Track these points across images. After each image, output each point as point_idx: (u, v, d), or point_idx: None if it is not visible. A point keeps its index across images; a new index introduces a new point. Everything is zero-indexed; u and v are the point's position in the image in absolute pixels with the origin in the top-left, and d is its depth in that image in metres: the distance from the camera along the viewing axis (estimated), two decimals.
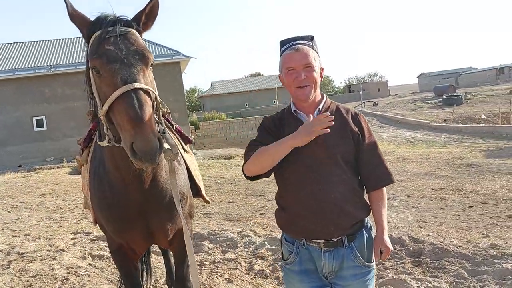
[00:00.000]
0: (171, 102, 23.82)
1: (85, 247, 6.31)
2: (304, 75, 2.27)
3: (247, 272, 4.93)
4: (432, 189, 10.04)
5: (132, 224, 2.72)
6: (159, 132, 2.09)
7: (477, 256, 4.79)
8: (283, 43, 2.40)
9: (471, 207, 8.20)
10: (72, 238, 6.91)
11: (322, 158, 2.26)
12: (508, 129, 21.14)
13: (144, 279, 4.14)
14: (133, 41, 2.20)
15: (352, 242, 2.31)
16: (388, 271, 4.62)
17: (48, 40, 28.33)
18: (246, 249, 5.69)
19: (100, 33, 2.17)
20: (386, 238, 2.30)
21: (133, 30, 2.25)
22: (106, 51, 2.11)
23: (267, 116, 2.55)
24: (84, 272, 5.14)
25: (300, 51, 2.29)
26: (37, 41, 28.22)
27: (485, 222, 7.06)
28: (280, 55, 2.40)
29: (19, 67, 24.48)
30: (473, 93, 41.68)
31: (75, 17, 2.29)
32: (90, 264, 5.43)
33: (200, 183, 3.31)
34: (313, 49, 2.33)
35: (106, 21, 2.21)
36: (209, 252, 5.67)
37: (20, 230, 7.98)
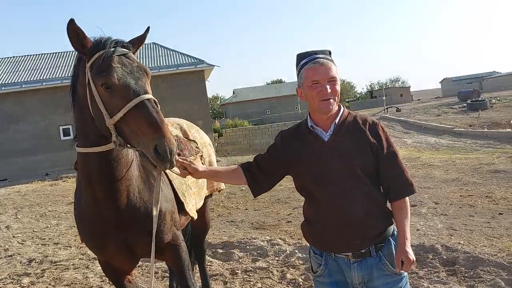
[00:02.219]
0: (195, 110, 24.06)
1: None
2: (330, 88, 2.31)
3: (280, 281, 4.96)
4: (461, 195, 9.91)
5: (108, 240, 2.78)
6: None
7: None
8: (302, 57, 2.43)
9: (501, 214, 8.08)
10: None
11: (342, 172, 2.29)
12: None
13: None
14: (133, 59, 2.45)
15: (380, 251, 2.32)
16: (423, 280, 4.59)
17: (74, 51, 28.91)
18: (276, 258, 5.72)
19: (104, 53, 2.35)
20: (408, 249, 2.28)
21: (129, 50, 2.48)
22: (115, 69, 2.31)
23: (281, 131, 2.60)
24: None
25: (324, 65, 2.33)
26: (63, 52, 28.86)
27: None
28: (300, 68, 2.42)
29: (47, 77, 25.08)
30: (497, 98, 40.92)
31: (76, 37, 2.44)
32: None
33: (185, 198, 3.31)
34: (333, 63, 2.38)
35: (108, 43, 2.40)
36: (240, 260, 5.71)
37: (50, 238, 8.14)
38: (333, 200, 2.29)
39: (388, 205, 2.43)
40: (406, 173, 2.39)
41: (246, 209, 10.60)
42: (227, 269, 5.29)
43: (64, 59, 27.74)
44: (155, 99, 2.34)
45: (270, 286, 4.80)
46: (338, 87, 2.36)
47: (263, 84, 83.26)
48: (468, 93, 46.35)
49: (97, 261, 6.09)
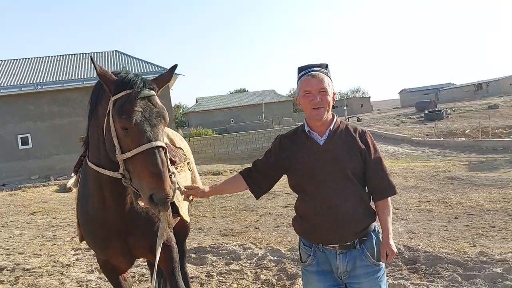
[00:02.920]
0: None
1: (90, 262, 6.43)
2: (319, 98, 2.56)
3: (254, 281, 5.15)
4: (419, 201, 10.37)
5: (111, 242, 2.99)
6: (170, 176, 2.46)
7: (469, 262, 5.10)
8: (300, 69, 2.70)
9: (457, 218, 8.53)
10: (74, 254, 7.03)
11: (335, 174, 2.54)
12: (487, 143, 21.76)
13: None
14: (155, 103, 2.55)
15: (362, 244, 2.59)
16: (387, 277, 4.87)
17: (35, 58, 28.27)
18: (249, 261, 5.91)
19: (130, 93, 2.47)
20: (391, 242, 2.57)
21: (154, 92, 2.60)
22: (135, 113, 2.43)
23: (279, 136, 2.86)
24: (96, 285, 5.30)
25: (316, 77, 2.59)
26: (24, 59, 28.16)
27: (471, 233, 7.39)
28: (298, 80, 2.70)
29: (5, 84, 24.40)
30: (453, 109, 42.66)
31: (103, 76, 2.56)
32: (99, 278, 5.57)
33: (180, 202, 3.49)
34: (327, 75, 2.63)
35: (136, 82, 2.51)
36: (213, 264, 5.86)
37: (14, 248, 8.02)
38: (326, 198, 2.53)
39: (372, 204, 2.71)
40: (389, 177, 2.69)
41: (214, 216, 10.69)
42: (202, 272, 5.44)
43: (21, 66, 27.02)
44: (165, 147, 2.47)
45: (246, 286, 4.99)
46: (329, 98, 2.59)
47: (226, 93, 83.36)
48: (426, 103, 48.14)
49: (71, 267, 6.16)
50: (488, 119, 31.51)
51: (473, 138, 26.04)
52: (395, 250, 2.59)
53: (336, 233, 2.55)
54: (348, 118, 43.44)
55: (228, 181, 2.91)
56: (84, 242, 3.37)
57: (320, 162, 2.56)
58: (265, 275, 5.30)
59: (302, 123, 2.79)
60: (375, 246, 2.60)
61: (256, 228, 8.75)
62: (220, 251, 6.38)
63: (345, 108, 52.61)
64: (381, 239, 2.66)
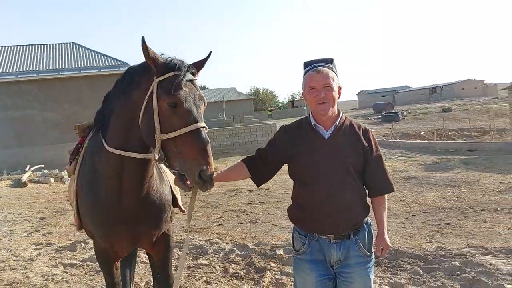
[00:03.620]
0: None
1: (54, 256, 6.32)
2: (324, 93, 2.59)
3: (223, 275, 5.21)
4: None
5: (121, 229, 3.02)
6: None
7: (428, 256, 5.36)
8: (306, 65, 2.73)
9: (414, 216, 8.84)
10: (35, 249, 6.87)
11: (337, 167, 2.61)
12: (441, 144, 22.63)
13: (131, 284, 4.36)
14: (197, 87, 2.68)
15: (356, 235, 2.67)
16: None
17: None
18: (216, 255, 5.96)
19: (177, 75, 2.57)
20: (386, 237, 2.72)
21: (195, 77, 2.72)
22: (185, 92, 2.54)
23: (284, 125, 2.90)
24: (62, 279, 5.21)
25: (320, 72, 2.62)
26: None
27: (427, 230, 7.68)
28: (304, 75, 2.72)
29: None
30: (409, 111, 44.06)
31: (154, 57, 2.60)
32: (65, 272, 5.48)
33: (177, 193, 3.57)
34: (332, 70, 2.65)
35: (182, 66, 2.62)
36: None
37: None
38: (326, 190, 2.59)
39: (367, 199, 2.79)
40: (388, 175, 2.77)
41: (176, 213, 10.61)
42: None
43: None
44: (207, 128, 2.56)
45: (215, 280, 5.03)
46: (333, 93, 2.62)
47: None
48: (383, 105, 49.39)
49: (34, 262, 6.01)
50: (442, 121, 32.74)
51: (427, 140, 26.99)
52: (389, 244, 2.73)
53: (332, 224, 2.62)
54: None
55: (232, 168, 2.87)
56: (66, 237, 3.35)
57: (324, 155, 2.61)
58: (233, 268, 5.37)
59: (307, 115, 2.82)
60: (367, 237, 2.69)
61: (219, 224, 8.77)
62: None
63: (305, 107, 53.21)
64: (375, 234, 2.75)
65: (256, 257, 5.72)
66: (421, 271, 4.88)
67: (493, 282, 4.38)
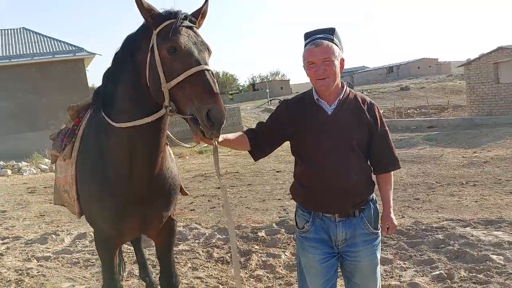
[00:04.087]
0: (75, 102, 22.47)
1: (24, 250, 6.04)
2: (323, 68, 2.46)
3: (208, 260, 5.11)
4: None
5: (131, 213, 2.86)
6: None
7: (410, 231, 5.45)
8: (306, 36, 2.58)
9: None
10: (2, 243, 6.54)
11: (341, 144, 2.51)
12: (402, 122, 23.17)
13: (122, 272, 4.24)
14: (198, 34, 2.56)
15: (361, 213, 2.59)
16: None
17: None
18: (197, 241, 5.85)
19: (175, 21, 2.46)
20: (392, 215, 2.65)
21: (196, 25, 2.60)
22: (182, 36, 2.43)
23: (285, 100, 2.78)
24: (38, 273, 4.97)
25: (319, 46, 2.47)
26: None
27: (398, 205, 7.78)
28: (304, 48, 2.58)
29: None
30: (368, 90, 44.82)
31: (149, 9, 2.52)
32: (40, 265, 5.23)
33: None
34: (333, 42, 2.50)
35: (179, 14, 2.51)
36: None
37: None
38: (331, 167, 2.49)
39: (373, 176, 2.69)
40: (394, 151, 2.68)
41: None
42: (150, 254, 5.26)
43: None
44: (213, 73, 2.43)
45: (200, 265, 4.93)
46: (334, 67, 2.47)
47: None
48: None
49: (4, 256, 5.71)
50: (401, 100, 33.53)
51: (388, 118, 27.59)
52: (396, 223, 2.66)
53: (338, 202, 2.54)
54: (270, 100, 44.08)
55: (235, 137, 2.71)
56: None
57: (327, 131, 2.50)
58: (217, 253, 5.28)
59: (310, 89, 2.70)
60: (373, 214, 2.62)
61: (191, 210, 8.62)
62: None
63: (267, 90, 53.31)
64: (381, 212, 2.69)
65: (238, 241, 5.63)
66: (406, 245, 4.96)
67: (478, 253, 4.51)
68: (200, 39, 2.52)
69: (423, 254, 4.70)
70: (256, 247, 5.40)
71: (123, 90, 2.68)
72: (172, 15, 2.50)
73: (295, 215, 2.77)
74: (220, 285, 4.47)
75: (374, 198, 2.71)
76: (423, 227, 5.53)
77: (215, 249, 5.42)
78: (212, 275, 4.71)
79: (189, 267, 4.84)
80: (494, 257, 4.27)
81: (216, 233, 6.05)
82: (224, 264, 4.96)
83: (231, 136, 2.67)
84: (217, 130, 2.29)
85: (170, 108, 2.42)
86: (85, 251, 5.67)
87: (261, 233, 5.81)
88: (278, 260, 4.88)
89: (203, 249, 5.47)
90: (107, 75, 2.82)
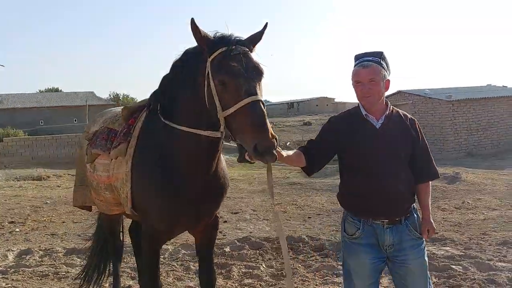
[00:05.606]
0: None
1: None
2: (369, 87, 2.77)
3: (187, 271, 5.13)
4: (272, 204, 11.08)
5: (188, 210, 3.05)
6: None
7: None
8: (355, 58, 2.89)
9: (310, 218, 9.46)
10: None
11: (390, 155, 2.80)
12: None
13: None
14: (251, 58, 2.65)
15: (406, 220, 2.87)
16: (305, 262, 5.44)
17: None
18: (162, 256, 5.72)
19: (226, 50, 2.58)
20: (431, 220, 2.95)
21: (249, 49, 2.70)
22: (232, 67, 2.53)
23: (332, 117, 3.09)
24: (6, 285, 4.59)
25: (367, 67, 2.78)
26: None
27: (327, 229, 8.23)
28: (353, 68, 2.88)
29: None
30: (274, 123, 46.55)
31: (205, 38, 2.66)
32: (5, 278, 4.82)
33: None
34: (380, 64, 2.80)
35: (230, 40, 2.64)
36: (125, 261, 5.51)
37: None
38: (381, 178, 2.77)
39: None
40: (433, 162, 2.98)
41: (63, 222, 9.83)
42: (123, 267, 5.08)
43: None
44: (263, 101, 2.55)
45: (183, 276, 4.91)
46: (378, 87, 2.78)
47: (36, 91, 75.32)
48: None
49: None
50: (306, 133, 35.31)
51: None
52: (435, 227, 2.98)
53: (387, 209, 2.81)
54: None
55: (295, 154, 2.94)
56: None
57: (377, 144, 2.78)
58: (193, 266, 5.26)
59: (355, 105, 2.99)
60: (416, 221, 2.90)
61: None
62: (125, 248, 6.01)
63: None
64: (421, 218, 2.95)
65: None
66: None
67: (439, 263, 5.09)
68: (252, 64, 2.61)
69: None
70: (231, 262, 5.51)
71: (186, 102, 2.90)
72: (223, 41, 2.63)
73: (344, 222, 3.00)
74: None
75: (414, 206, 2.98)
76: None
77: (189, 262, 5.40)
78: None
79: (173, 277, 4.84)
80: (453, 267, 4.87)
81: (180, 248, 6.04)
82: None
83: (291, 152, 2.93)
84: (270, 156, 2.44)
85: (225, 134, 2.67)
86: (45, 265, 5.45)
87: (227, 249, 5.91)
88: (260, 271, 5.05)
89: (176, 262, 5.43)
90: (167, 83, 3.02)
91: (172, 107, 2.97)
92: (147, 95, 3.29)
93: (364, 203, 2.84)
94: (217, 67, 2.56)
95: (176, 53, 3.00)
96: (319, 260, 5.59)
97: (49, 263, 5.76)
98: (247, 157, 2.58)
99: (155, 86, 3.13)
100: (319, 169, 3.00)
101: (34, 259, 5.88)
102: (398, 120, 2.90)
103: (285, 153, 2.80)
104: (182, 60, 2.91)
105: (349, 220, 2.95)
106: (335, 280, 4.90)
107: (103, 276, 4.42)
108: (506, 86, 27.39)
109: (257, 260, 5.66)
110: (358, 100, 2.89)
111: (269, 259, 5.80)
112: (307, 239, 6.48)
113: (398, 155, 2.83)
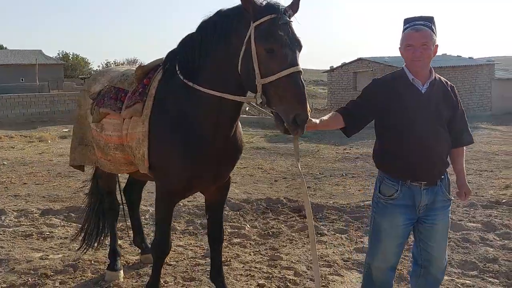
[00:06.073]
0: None
1: None
2: (420, 51, 2.79)
3: (173, 231, 5.18)
4: (237, 167, 11.24)
5: (208, 169, 3.15)
6: None
7: (346, 208, 6.17)
8: (406, 21, 2.89)
9: (277, 181, 9.66)
10: None
11: (433, 119, 2.87)
12: (270, 120, 24.37)
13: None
14: (293, 30, 2.70)
15: (440, 182, 2.96)
16: (287, 222, 5.67)
17: None
18: (143, 217, 5.73)
19: (274, 18, 2.62)
20: (467, 183, 3.08)
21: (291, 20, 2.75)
22: (281, 37, 2.58)
23: (375, 80, 3.10)
24: None
25: (419, 31, 2.79)
26: None
27: (294, 192, 8.46)
28: (403, 32, 2.89)
29: None
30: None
31: (249, 0, 2.64)
32: None
33: None
34: (431, 29, 2.82)
35: (278, 8, 2.66)
36: None
37: None
38: (423, 140, 2.84)
39: None
40: (469, 129, 3.08)
41: (25, 183, 9.56)
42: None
43: None
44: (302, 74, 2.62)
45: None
46: (429, 51, 2.81)
47: None
48: None
49: None
50: None
51: (257, 116, 28.91)
52: (471, 189, 3.12)
53: (427, 171, 2.89)
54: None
55: (329, 118, 2.98)
56: None
57: (422, 107, 2.85)
58: (178, 226, 5.43)
59: (400, 68, 3.02)
60: (447, 183, 3.01)
61: (86, 193, 8.22)
62: None
63: None
64: (453, 181, 3.05)
65: (185, 216, 5.77)
66: (350, 218, 5.70)
67: None
68: (295, 36, 2.68)
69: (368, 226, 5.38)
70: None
71: (214, 64, 2.90)
72: (272, 9, 2.65)
73: (380, 184, 3.05)
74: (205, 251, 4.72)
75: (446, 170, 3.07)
76: (354, 204, 6.39)
77: (173, 223, 5.43)
78: (191, 243, 4.94)
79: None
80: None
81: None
82: (192, 235, 5.15)
83: (325, 117, 2.96)
84: (302, 129, 2.57)
85: (261, 100, 2.66)
86: (25, 225, 5.38)
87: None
88: (246, 230, 5.19)
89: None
90: (190, 43, 3.01)
91: (198, 69, 2.97)
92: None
93: (403, 165, 2.90)
94: (265, 34, 2.58)
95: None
96: (300, 220, 5.80)
97: (28, 223, 5.68)
98: (278, 125, 2.66)
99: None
100: (358, 131, 3.05)
101: (11, 220, 5.76)
102: (442, 86, 2.97)
103: (317, 120, 2.87)
104: (215, 22, 2.88)
105: (386, 182, 3.00)
106: (321, 239, 5.14)
107: (103, 235, 4.42)
108: (461, 56, 28.38)
109: (240, 221, 5.81)
110: (407, 63, 2.92)
111: (251, 219, 5.95)
112: (285, 201, 6.66)
113: (441, 119, 2.90)
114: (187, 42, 3.05)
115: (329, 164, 11.73)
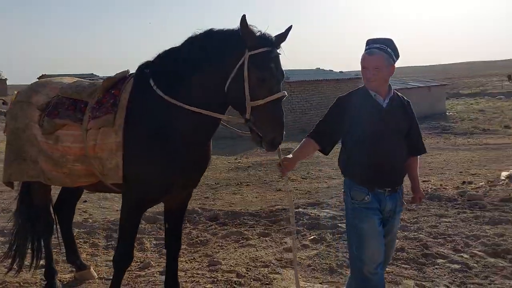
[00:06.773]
0: None
1: None
2: (372, 73, 3.04)
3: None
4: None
5: (181, 177, 3.29)
6: None
7: (260, 212, 6.45)
8: (366, 43, 3.12)
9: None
10: None
11: (394, 131, 3.13)
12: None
13: None
14: (280, 62, 3.07)
15: (399, 188, 3.24)
16: (214, 230, 5.82)
17: None
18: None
19: (269, 51, 2.97)
20: (420, 189, 3.43)
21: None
22: (272, 69, 2.96)
23: (340, 97, 3.27)
24: None
25: (372, 55, 3.04)
26: None
27: (192, 204, 8.37)
28: (363, 53, 3.13)
29: None
30: None
31: (251, 32, 2.93)
32: None
33: None
34: (386, 52, 3.04)
35: (271, 42, 3.01)
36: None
37: None
38: (386, 151, 3.09)
39: None
40: (422, 139, 3.38)
41: None
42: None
43: None
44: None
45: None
46: (383, 73, 3.04)
47: None
48: None
49: None
50: None
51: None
52: (423, 195, 3.50)
53: (391, 179, 3.17)
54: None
55: (304, 147, 3.21)
56: None
57: (384, 121, 3.08)
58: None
59: (361, 86, 3.25)
60: (402, 190, 3.29)
61: (11, 212, 7.46)
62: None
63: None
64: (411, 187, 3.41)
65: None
66: (268, 222, 6.06)
67: (327, 223, 5.95)
68: (281, 68, 3.05)
69: (286, 227, 5.79)
70: (139, 234, 5.41)
71: (199, 82, 3.09)
72: (267, 42, 2.98)
73: (350, 190, 3.22)
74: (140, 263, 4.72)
75: None
76: (273, 209, 6.73)
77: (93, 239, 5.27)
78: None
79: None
80: (340, 224, 5.68)
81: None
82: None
83: (299, 149, 3.21)
84: (275, 148, 3.03)
85: (250, 121, 2.99)
86: None
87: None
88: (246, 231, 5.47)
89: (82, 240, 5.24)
90: (173, 56, 3.17)
91: (178, 84, 3.12)
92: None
93: (370, 173, 3.12)
94: (259, 64, 2.91)
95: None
96: (220, 228, 5.98)
97: None
98: (256, 141, 3.07)
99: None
100: (333, 147, 3.24)
101: None
102: (399, 101, 3.25)
103: (291, 155, 3.17)
104: (211, 40, 3.06)
105: (355, 188, 3.19)
106: (249, 243, 5.36)
107: (40, 254, 4.12)
108: (332, 70, 30.76)
109: (161, 233, 5.73)
110: (364, 82, 3.18)
111: None
112: (200, 211, 6.75)
113: (400, 131, 3.18)
114: (170, 55, 3.19)
115: (223, 174, 11.90)
